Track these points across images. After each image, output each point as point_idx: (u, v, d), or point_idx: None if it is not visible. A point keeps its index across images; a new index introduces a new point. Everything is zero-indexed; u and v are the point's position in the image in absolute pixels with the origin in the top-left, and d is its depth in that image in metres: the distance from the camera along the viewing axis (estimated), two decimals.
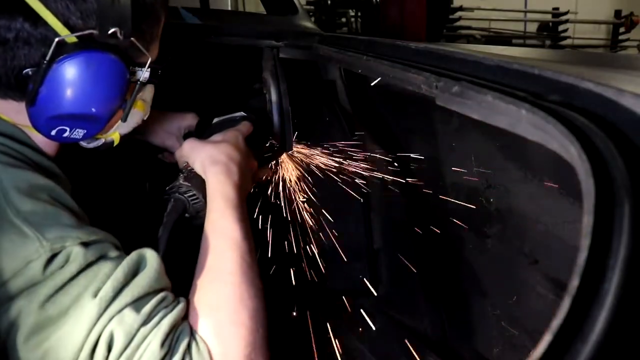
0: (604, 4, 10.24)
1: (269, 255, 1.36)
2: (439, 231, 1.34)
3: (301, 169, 1.35)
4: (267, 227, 1.33)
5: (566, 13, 9.32)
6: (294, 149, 1.30)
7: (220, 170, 0.89)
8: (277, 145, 1.25)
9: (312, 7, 6.92)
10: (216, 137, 0.98)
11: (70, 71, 0.69)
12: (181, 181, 0.92)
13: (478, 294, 1.19)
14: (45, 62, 0.68)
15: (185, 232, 0.92)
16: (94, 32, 0.69)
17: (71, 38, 0.69)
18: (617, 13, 10.22)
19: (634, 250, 0.40)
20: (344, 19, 7.54)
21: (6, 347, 0.63)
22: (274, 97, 1.27)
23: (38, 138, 0.77)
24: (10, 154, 0.72)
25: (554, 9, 9.48)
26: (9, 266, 0.62)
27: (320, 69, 1.37)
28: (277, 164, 1.28)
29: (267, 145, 1.20)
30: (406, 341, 1.25)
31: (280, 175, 1.33)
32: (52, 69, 0.69)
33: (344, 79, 1.36)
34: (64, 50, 0.69)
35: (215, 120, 1.09)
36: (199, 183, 0.91)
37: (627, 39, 10.13)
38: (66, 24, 0.69)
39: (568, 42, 9.47)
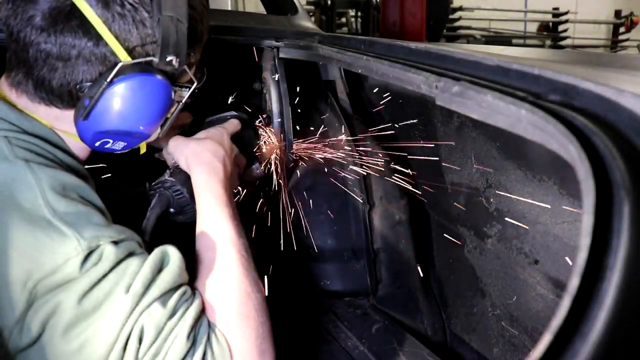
0: (604, 4, 10.25)
1: (268, 255, 1.36)
2: (438, 231, 1.34)
3: (300, 168, 1.35)
4: (265, 226, 1.33)
5: (566, 13, 9.33)
6: (293, 148, 1.30)
7: (205, 168, 0.92)
8: (272, 144, 1.26)
9: (312, 7, 6.92)
10: (200, 134, 1.00)
11: (125, 92, 0.74)
12: (166, 177, 0.94)
13: (478, 294, 1.19)
14: (105, 82, 0.72)
15: (169, 226, 0.94)
16: (154, 59, 0.73)
17: (131, 61, 0.73)
18: (617, 13, 10.23)
19: (633, 250, 0.40)
20: (344, 19, 7.54)
21: (44, 339, 0.66)
22: (274, 97, 1.28)
23: (72, 143, 0.81)
24: (46, 155, 0.75)
25: (554, 9, 9.49)
26: (50, 262, 0.65)
27: (320, 69, 1.37)
28: (273, 163, 1.28)
29: (261, 144, 1.21)
30: (406, 341, 1.25)
31: (278, 173, 1.33)
32: (109, 89, 0.73)
33: (344, 79, 1.36)
34: (122, 72, 0.73)
35: (207, 119, 1.10)
36: (184, 179, 0.93)
37: (627, 39, 10.14)
38: (126, 47, 0.73)
39: (568, 42, 9.48)
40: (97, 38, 0.71)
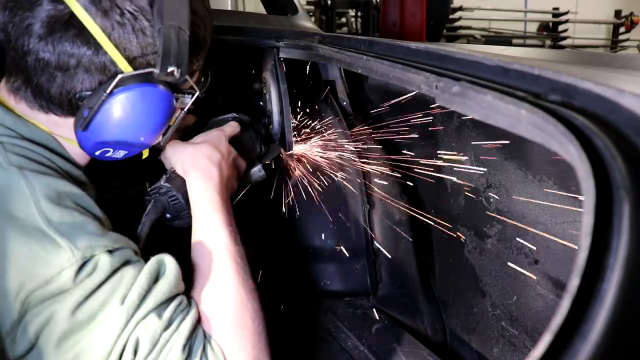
0: (604, 4, 10.25)
1: (268, 255, 1.36)
2: (438, 231, 1.34)
3: (300, 169, 1.35)
4: (265, 227, 1.33)
5: (566, 13, 9.33)
6: (294, 148, 1.30)
7: (200, 173, 0.90)
8: (274, 145, 1.26)
9: (312, 7, 6.92)
10: (198, 138, 0.99)
11: (125, 103, 0.73)
12: (162, 182, 0.94)
13: (478, 294, 1.19)
14: (105, 93, 0.71)
15: (165, 231, 0.93)
16: (155, 70, 0.72)
17: (131, 71, 0.72)
18: (617, 13, 10.23)
19: (633, 249, 0.40)
20: (344, 19, 7.54)
21: (37, 349, 0.65)
22: (274, 97, 1.28)
23: (71, 149, 0.80)
24: (42, 162, 0.74)
25: (554, 9, 9.49)
26: (43, 273, 0.64)
27: (320, 69, 1.37)
28: (275, 164, 1.28)
29: (263, 145, 1.20)
30: (406, 341, 1.25)
31: (278, 174, 1.33)
32: (108, 100, 0.72)
33: (344, 79, 1.36)
34: (121, 83, 0.72)
35: (210, 121, 1.10)
36: (180, 184, 0.93)
37: (627, 39, 10.14)
38: (126, 56, 0.72)
39: (568, 42, 9.48)
40: (97, 47, 0.70)
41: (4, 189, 0.68)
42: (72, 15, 0.69)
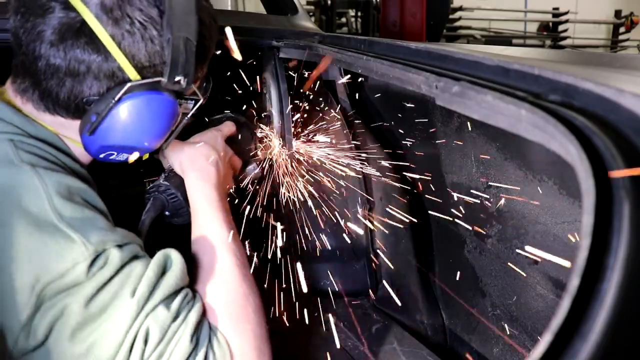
0: (604, 4, 10.25)
1: (269, 255, 1.36)
2: (438, 231, 1.34)
3: (300, 169, 1.35)
4: (265, 227, 1.33)
5: (566, 13, 9.33)
6: (294, 148, 1.30)
7: (199, 174, 0.93)
8: (271, 144, 1.27)
9: (312, 7, 6.92)
10: (195, 137, 1.01)
11: (132, 110, 0.75)
12: (161, 181, 0.96)
13: (478, 294, 1.19)
14: (113, 100, 0.73)
15: (164, 228, 0.95)
16: (162, 79, 0.74)
17: (139, 80, 0.74)
18: (617, 13, 10.23)
19: (633, 249, 0.40)
20: (344, 19, 7.54)
21: (50, 341, 0.66)
22: (274, 97, 1.28)
23: (75, 148, 0.83)
24: (50, 159, 0.76)
25: (554, 9, 9.49)
26: (58, 267, 0.66)
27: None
28: (274, 163, 1.28)
29: (258, 144, 1.22)
30: (406, 341, 1.25)
31: (278, 174, 1.33)
32: (116, 107, 0.74)
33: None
34: (130, 90, 0.74)
35: (207, 119, 1.11)
36: (178, 182, 0.95)
37: (627, 39, 10.14)
38: (134, 64, 0.74)
39: (568, 42, 9.48)
40: (106, 54, 0.72)
41: (18, 185, 0.70)
42: (83, 23, 0.71)
